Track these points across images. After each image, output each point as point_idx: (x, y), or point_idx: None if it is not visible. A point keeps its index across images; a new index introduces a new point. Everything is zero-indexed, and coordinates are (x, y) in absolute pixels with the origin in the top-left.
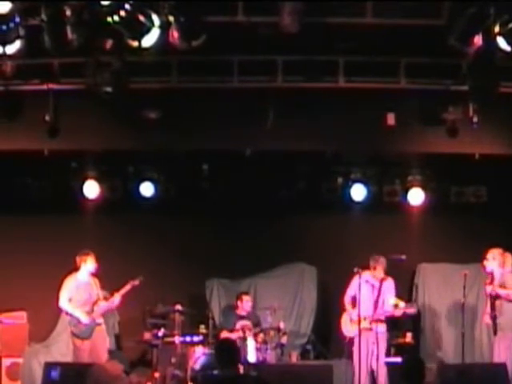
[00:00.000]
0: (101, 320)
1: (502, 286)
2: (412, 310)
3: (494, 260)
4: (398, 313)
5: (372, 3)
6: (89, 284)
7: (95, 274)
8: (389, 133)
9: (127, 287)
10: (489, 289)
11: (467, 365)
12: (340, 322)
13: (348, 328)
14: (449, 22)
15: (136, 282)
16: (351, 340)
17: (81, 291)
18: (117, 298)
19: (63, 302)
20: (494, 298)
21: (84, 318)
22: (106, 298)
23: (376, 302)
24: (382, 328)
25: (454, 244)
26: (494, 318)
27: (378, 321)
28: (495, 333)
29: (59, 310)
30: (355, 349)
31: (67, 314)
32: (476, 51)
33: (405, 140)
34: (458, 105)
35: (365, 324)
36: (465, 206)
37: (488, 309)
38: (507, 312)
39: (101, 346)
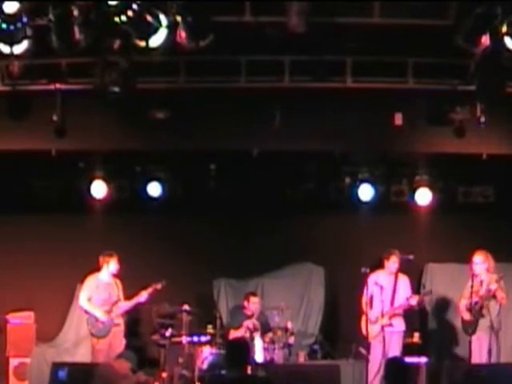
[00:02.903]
0: (120, 320)
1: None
2: (428, 296)
3: (483, 264)
4: (413, 301)
5: (379, 3)
6: (109, 284)
7: (117, 276)
8: (396, 133)
9: (149, 290)
10: (494, 287)
11: (475, 365)
12: (360, 324)
13: (369, 330)
14: (456, 22)
15: (158, 286)
16: (366, 341)
17: (100, 291)
18: (144, 296)
19: (83, 301)
20: (491, 298)
21: (102, 317)
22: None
23: (392, 300)
24: (400, 327)
25: (461, 244)
26: (479, 317)
27: (397, 315)
28: (474, 332)
29: (66, 310)
30: (371, 349)
31: (86, 312)
32: (483, 51)
33: (412, 140)
34: (465, 105)
35: (384, 321)
36: (472, 206)
37: (477, 306)
38: (492, 314)
39: (117, 346)
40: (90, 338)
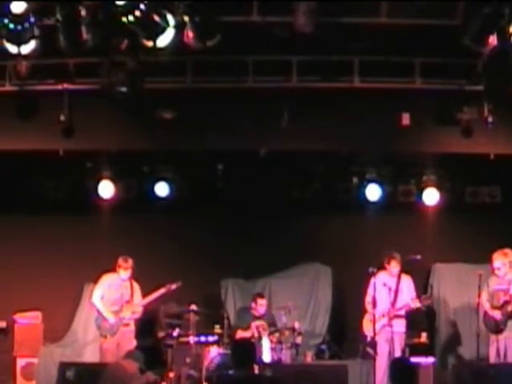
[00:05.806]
0: (130, 321)
1: None
2: (428, 302)
3: (506, 264)
4: (414, 304)
5: (387, 3)
6: (123, 284)
7: (136, 279)
8: (404, 133)
9: (162, 290)
10: None
11: (483, 364)
12: (362, 322)
13: (369, 328)
14: (464, 22)
15: (173, 287)
16: (372, 340)
17: (112, 290)
18: (146, 300)
19: (95, 299)
20: None
21: (110, 318)
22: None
23: (394, 302)
24: (400, 328)
25: (468, 244)
26: (510, 316)
27: (397, 317)
28: (501, 331)
29: (74, 310)
30: (377, 349)
31: (97, 310)
32: (491, 51)
33: (420, 140)
34: (472, 105)
35: (384, 321)
36: (479, 206)
37: (509, 306)
38: None
39: (126, 346)
40: (99, 337)
